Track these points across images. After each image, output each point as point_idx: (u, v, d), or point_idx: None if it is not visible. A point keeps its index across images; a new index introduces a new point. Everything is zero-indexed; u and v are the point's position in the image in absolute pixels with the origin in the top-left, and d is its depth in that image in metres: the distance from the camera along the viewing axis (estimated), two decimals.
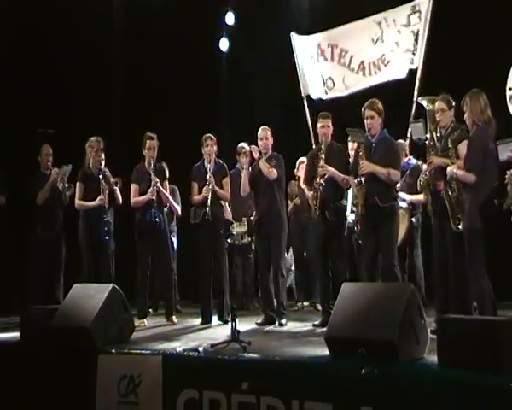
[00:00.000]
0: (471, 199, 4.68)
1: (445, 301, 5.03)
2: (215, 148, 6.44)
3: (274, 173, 6.11)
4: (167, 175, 6.60)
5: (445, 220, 4.99)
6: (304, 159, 7.52)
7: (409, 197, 6.21)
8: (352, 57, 7.16)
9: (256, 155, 6.19)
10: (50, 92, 8.23)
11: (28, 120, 7.89)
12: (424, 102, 5.30)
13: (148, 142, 6.40)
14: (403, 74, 6.85)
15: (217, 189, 6.31)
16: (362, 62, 7.10)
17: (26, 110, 8.01)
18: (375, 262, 5.41)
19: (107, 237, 6.46)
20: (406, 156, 6.43)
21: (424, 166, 5.21)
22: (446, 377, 3.31)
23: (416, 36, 6.73)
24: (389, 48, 6.94)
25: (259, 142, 6.25)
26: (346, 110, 6.71)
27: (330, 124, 6.00)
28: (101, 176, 6.46)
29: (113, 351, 4.44)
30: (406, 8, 6.87)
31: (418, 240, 6.67)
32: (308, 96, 7.64)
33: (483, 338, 3.32)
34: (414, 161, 6.36)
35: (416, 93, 6.57)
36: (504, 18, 7.00)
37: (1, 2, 7.89)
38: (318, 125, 6.03)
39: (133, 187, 6.43)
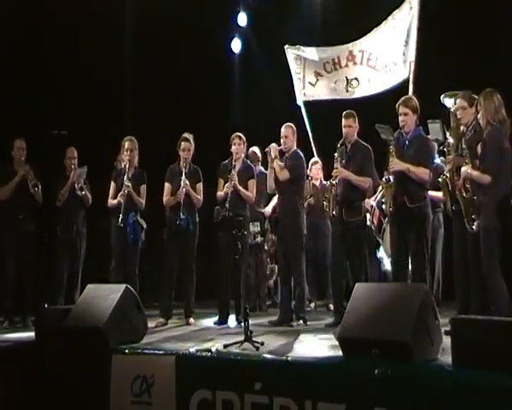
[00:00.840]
0: (487, 199, 4.65)
1: (465, 301, 4.99)
2: (243, 147, 6.44)
3: (284, 175, 6.08)
4: (201, 177, 6.53)
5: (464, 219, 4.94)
6: (317, 159, 7.55)
7: (429, 193, 6.18)
8: (377, 59, 7.42)
9: (273, 154, 6.14)
10: (62, 94, 8.28)
11: (41, 123, 7.96)
12: (446, 101, 5.26)
13: (182, 143, 6.42)
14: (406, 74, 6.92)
15: (240, 188, 6.27)
16: (384, 62, 7.33)
17: (37, 113, 8.06)
18: (403, 263, 5.32)
19: (132, 236, 6.47)
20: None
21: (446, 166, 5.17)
22: (461, 378, 3.28)
23: (408, 32, 6.87)
24: (401, 47, 7.10)
25: (281, 140, 6.23)
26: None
27: (353, 123, 5.94)
28: (125, 175, 6.49)
29: (127, 351, 4.46)
30: (406, 5, 7.06)
31: (439, 240, 6.61)
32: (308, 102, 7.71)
33: (498, 339, 3.30)
34: (439, 160, 6.31)
35: (411, 87, 6.55)
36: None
37: (11, 3, 7.95)
38: (342, 124, 5.96)
39: (166, 186, 6.47)
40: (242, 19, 9.77)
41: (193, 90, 9.07)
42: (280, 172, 6.09)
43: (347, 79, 7.56)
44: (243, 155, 6.49)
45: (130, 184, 6.46)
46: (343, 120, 5.96)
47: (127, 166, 6.54)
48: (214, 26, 9.10)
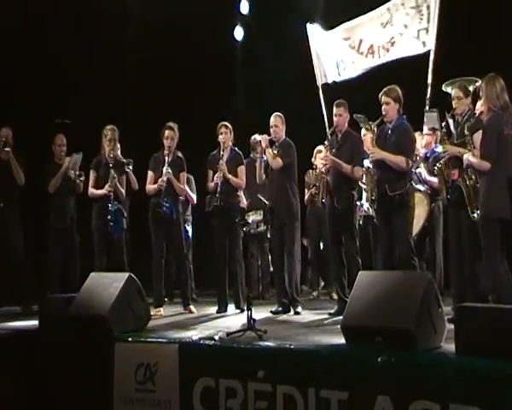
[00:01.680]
0: (486, 186, 4.63)
1: (461, 290, 5.01)
2: (230, 135, 6.45)
3: (278, 162, 6.09)
4: (185, 167, 6.54)
5: (459, 209, 4.97)
6: (321, 147, 7.52)
7: (428, 177, 6.18)
8: (361, 41, 7.12)
9: (264, 144, 6.17)
10: (65, 82, 8.26)
11: (44, 111, 7.95)
12: (449, 90, 5.25)
13: (166, 132, 6.41)
14: (411, 52, 6.73)
15: (229, 176, 6.31)
16: (371, 46, 7.05)
17: (41, 101, 8.05)
18: (391, 252, 5.35)
19: (111, 224, 6.42)
20: (436, 142, 6.39)
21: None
22: (464, 366, 3.29)
23: (428, 16, 6.62)
24: (398, 31, 6.86)
25: (271, 130, 6.25)
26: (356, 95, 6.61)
27: (343, 112, 5.98)
28: (111, 165, 6.48)
29: (130, 339, 4.47)
30: None
31: (440, 228, 6.61)
32: (324, 84, 7.57)
33: (502, 326, 3.29)
34: (440, 148, 6.30)
35: (430, 76, 6.46)
36: None
37: None
38: (333, 112, 6.03)
39: (149, 174, 6.47)
40: (244, 6, 9.72)
41: (195, 77, 9.03)
42: (272, 160, 6.12)
43: (336, 61, 7.41)
44: (230, 144, 6.49)
45: (116, 176, 6.45)
46: (334, 108, 6.03)
47: (111, 155, 6.50)
48: (216, 13, 9.04)
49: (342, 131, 6.01)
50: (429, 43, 6.57)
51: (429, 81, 6.39)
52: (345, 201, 5.87)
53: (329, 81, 7.49)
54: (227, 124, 6.46)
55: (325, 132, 7.06)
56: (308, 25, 7.66)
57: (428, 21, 6.58)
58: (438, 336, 3.73)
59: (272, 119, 6.27)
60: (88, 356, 4.51)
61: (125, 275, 4.88)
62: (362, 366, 3.54)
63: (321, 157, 6.20)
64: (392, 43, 6.89)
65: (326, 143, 6.10)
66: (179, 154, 6.52)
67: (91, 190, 6.56)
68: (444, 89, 5.81)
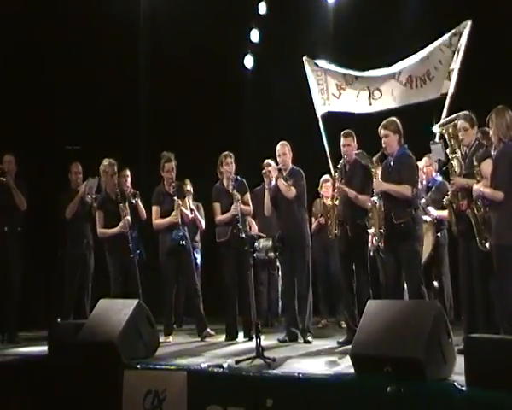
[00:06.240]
0: (499, 216, 4.64)
1: (472, 320, 4.97)
2: (233, 165, 6.47)
3: (292, 192, 6.11)
4: (188, 192, 6.57)
5: (470, 240, 4.93)
6: (327, 177, 7.53)
7: (436, 213, 6.18)
8: (400, 72, 7.10)
9: (275, 174, 6.17)
10: (77, 109, 8.35)
11: (55, 138, 8.03)
12: (436, 129, 5.30)
13: (166, 165, 6.42)
14: (442, 91, 6.71)
15: (242, 206, 6.34)
16: (410, 76, 7.01)
17: (52, 128, 8.14)
18: (398, 283, 5.35)
19: (138, 251, 6.52)
20: (436, 172, 6.42)
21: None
22: (474, 398, 3.27)
23: (456, 59, 6.61)
24: (433, 65, 6.86)
25: (278, 158, 6.25)
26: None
27: (352, 142, 5.99)
28: (119, 198, 6.49)
29: (139, 366, 4.47)
30: (448, 33, 6.80)
31: (446, 258, 6.60)
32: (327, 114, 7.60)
33: (511, 358, 3.27)
34: (440, 177, 6.35)
35: (444, 116, 6.40)
36: None
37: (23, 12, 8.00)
38: (341, 143, 6.02)
39: (154, 209, 6.46)
40: (255, 35, 9.85)
41: (205, 105, 9.12)
42: (286, 190, 6.12)
43: (369, 90, 7.38)
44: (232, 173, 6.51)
45: (125, 210, 6.48)
46: (342, 139, 6.01)
47: (116, 190, 6.52)
48: (227, 42, 9.15)
49: (350, 162, 5.99)
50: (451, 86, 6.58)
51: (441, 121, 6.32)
52: (357, 230, 5.85)
53: (356, 111, 7.31)
54: (231, 154, 6.46)
55: (327, 162, 7.06)
56: (308, 59, 7.68)
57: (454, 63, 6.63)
58: (448, 367, 3.71)
59: (279, 147, 6.26)
60: (97, 382, 4.51)
61: (134, 302, 4.90)
62: (371, 396, 3.53)
63: (335, 187, 6.04)
64: (429, 77, 6.88)
65: (336, 174, 6.03)
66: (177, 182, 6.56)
67: (102, 231, 6.51)
68: (434, 130, 5.83)
